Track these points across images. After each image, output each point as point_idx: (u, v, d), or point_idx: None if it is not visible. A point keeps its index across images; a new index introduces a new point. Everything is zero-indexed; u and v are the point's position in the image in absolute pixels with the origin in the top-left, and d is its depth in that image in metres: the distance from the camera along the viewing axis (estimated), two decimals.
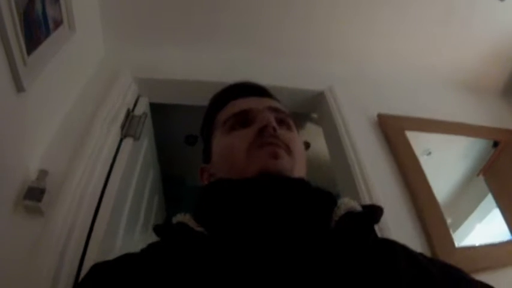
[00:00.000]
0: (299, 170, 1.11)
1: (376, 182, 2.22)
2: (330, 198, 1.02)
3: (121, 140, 2.37)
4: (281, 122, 1.20)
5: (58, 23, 2.04)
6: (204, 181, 1.24)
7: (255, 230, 0.88)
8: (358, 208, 0.99)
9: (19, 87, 1.66)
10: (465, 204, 3.26)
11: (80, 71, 2.44)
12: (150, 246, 0.97)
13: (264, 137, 1.09)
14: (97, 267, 0.92)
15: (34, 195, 1.70)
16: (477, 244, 2.41)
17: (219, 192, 1.05)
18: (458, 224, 3.06)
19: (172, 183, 4.17)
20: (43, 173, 1.78)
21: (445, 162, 3.26)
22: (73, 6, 2.15)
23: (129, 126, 2.44)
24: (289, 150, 1.10)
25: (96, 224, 1.89)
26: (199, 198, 1.09)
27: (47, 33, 1.91)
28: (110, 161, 2.21)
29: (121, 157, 2.28)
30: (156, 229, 1.01)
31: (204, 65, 2.73)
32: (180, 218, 1.01)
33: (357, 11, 2.92)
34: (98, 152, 2.07)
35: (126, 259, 0.92)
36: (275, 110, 1.23)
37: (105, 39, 2.79)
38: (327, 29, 2.97)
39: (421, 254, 0.96)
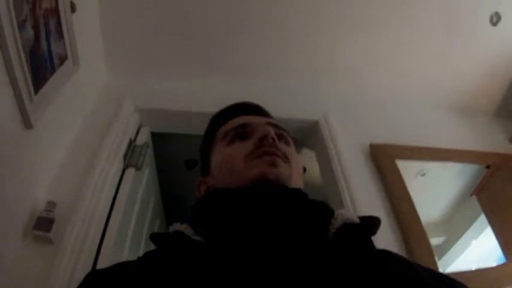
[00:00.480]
0: (296, 181, 1.11)
1: (365, 210, 2.25)
2: (326, 209, 1.02)
3: (124, 170, 2.47)
4: (280, 137, 1.21)
5: (63, 59, 2.12)
6: (202, 193, 1.25)
7: (251, 239, 0.87)
8: (356, 219, 0.99)
9: (27, 124, 1.75)
10: (460, 222, 3.30)
11: (83, 103, 2.54)
12: (147, 254, 0.96)
13: (264, 146, 1.10)
14: (92, 275, 0.92)
15: (43, 225, 1.80)
16: (464, 268, 2.43)
17: (215, 201, 1.05)
18: (453, 241, 3.13)
19: (175, 205, 4.22)
20: (51, 204, 1.88)
21: (440, 183, 3.31)
22: (77, 41, 2.23)
23: (131, 157, 2.53)
24: (286, 160, 1.11)
25: (102, 250, 2.00)
26: (195, 207, 1.09)
27: (53, 70, 2.00)
28: (114, 190, 2.31)
29: (124, 187, 2.37)
30: (153, 237, 1.02)
31: (204, 96, 2.77)
32: (177, 226, 1.02)
33: (353, 34, 3.01)
34: (102, 182, 2.17)
35: (122, 267, 0.91)
36: (274, 125, 1.24)
37: (107, 71, 2.89)
38: (326, 51, 3.07)
39: (418, 265, 0.94)
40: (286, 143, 1.23)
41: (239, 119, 1.27)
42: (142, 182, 2.79)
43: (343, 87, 3.17)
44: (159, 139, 3.10)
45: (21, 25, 1.65)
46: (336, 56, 3.10)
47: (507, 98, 3.50)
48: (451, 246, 3.08)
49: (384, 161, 2.66)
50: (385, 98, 3.23)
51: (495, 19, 3.03)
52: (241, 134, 1.19)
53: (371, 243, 0.94)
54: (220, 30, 2.87)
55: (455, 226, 3.28)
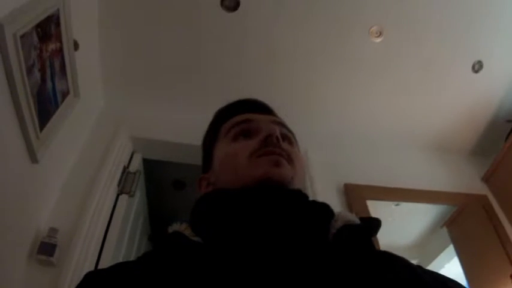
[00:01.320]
0: (298, 181, 1.09)
1: None
2: (327, 210, 1.00)
3: (117, 196, 2.67)
4: (284, 137, 1.18)
5: (65, 95, 2.30)
6: (202, 189, 1.20)
7: (251, 240, 0.85)
8: (356, 220, 0.97)
9: (33, 160, 1.95)
10: (432, 247, 3.44)
11: (82, 132, 2.72)
12: (146, 255, 0.93)
13: (268, 145, 1.06)
14: (91, 275, 0.88)
15: (47, 250, 2.01)
16: None
17: (217, 202, 1.02)
18: (426, 264, 3.29)
19: (161, 222, 4.30)
20: (53, 231, 2.08)
21: (413, 212, 3.47)
22: (78, 75, 2.40)
23: (124, 183, 2.72)
24: (290, 160, 1.07)
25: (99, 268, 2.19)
26: (195, 207, 1.05)
27: (56, 106, 2.18)
28: (109, 215, 2.51)
29: (118, 213, 2.58)
30: (152, 238, 1.04)
31: (195, 128, 2.68)
32: (176, 227, 0.99)
33: (336, 76, 3.19)
34: (99, 210, 2.37)
35: (121, 267, 0.89)
36: (279, 124, 1.22)
37: (105, 101, 3.08)
38: (307, 92, 3.24)
39: (419, 267, 0.91)
40: (290, 143, 1.20)
41: (243, 115, 1.23)
42: (133, 206, 2.97)
43: (323, 129, 3.32)
44: (149, 162, 3.25)
45: (30, 70, 1.84)
46: (317, 100, 3.28)
47: (483, 138, 3.68)
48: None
49: (355, 201, 2.84)
50: (362, 139, 3.41)
51: (477, 67, 3.24)
52: (246, 131, 1.16)
53: (371, 244, 0.93)
54: (214, 67, 3.05)
55: (428, 251, 3.44)
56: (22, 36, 1.76)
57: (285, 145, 1.11)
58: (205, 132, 1.34)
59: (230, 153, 1.12)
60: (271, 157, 1.04)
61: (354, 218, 0.97)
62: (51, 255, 2.00)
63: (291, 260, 0.79)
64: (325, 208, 1.00)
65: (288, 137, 1.20)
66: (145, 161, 3.18)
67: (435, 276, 0.90)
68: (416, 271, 0.85)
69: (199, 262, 0.80)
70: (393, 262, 0.88)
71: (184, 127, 2.96)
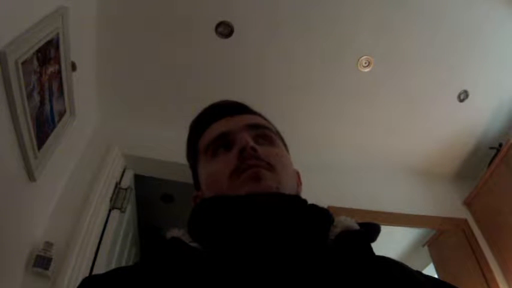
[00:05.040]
0: (288, 183, 1.07)
1: None
2: (327, 216, 0.98)
3: (109, 211, 2.78)
4: (263, 137, 1.13)
5: (62, 114, 2.38)
6: None
7: (251, 246, 0.85)
8: (355, 226, 0.96)
9: (31, 178, 2.05)
10: (413, 266, 3.50)
11: (77, 150, 2.82)
12: (143, 260, 0.94)
13: (245, 159, 1.02)
14: (88, 281, 0.89)
15: (42, 263, 2.11)
16: None
17: (216, 208, 0.99)
18: None
19: (150, 234, 4.51)
20: (48, 245, 2.18)
21: (396, 230, 3.53)
22: (74, 95, 2.48)
23: (116, 199, 2.84)
24: (271, 167, 1.03)
25: None
26: (193, 213, 1.03)
27: (53, 126, 2.27)
28: (101, 230, 2.62)
29: (110, 227, 2.70)
30: (150, 243, 0.98)
31: (182, 147, 2.84)
32: (174, 233, 0.98)
33: (324, 104, 3.31)
34: (92, 225, 2.49)
35: (118, 272, 0.89)
36: (254, 126, 1.16)
37: (99, 119, 3.17)
38: (293, 118, 3.32)
39: (418, 272, 0.93)
40: (270, 142, 1.14)
41: (217, 125, 1.18)
42: (124, 220, 3.08)
43: (309, 154, 3.29)
44: (140, 177, 3.36)
45: (30, 95, 1.92)
46: (305, 126, 3.39)
47: (467, 164, 3.80)
48: None
49: None
50: (346, 164, 3.52)
51: (463, 96, 3.37)
52: (222, 144, 1.11)
53: (370, 249, 0.91)
54: (205, 90, 3.08)
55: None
56: (23, 63, 1.82)
57: (263, 149, 1.06)
58: (186, 149, 1.30)
59: (211, 173, 1.09)
60: (250, 172, 1.00)
61: (353, 224, 0.97)
62: (47, 268, 2.11)
63: (291, 264, 0.80)
64: (324, 213, 0.99)
65: (265, 135, 1.15)
66: (136, 176, 3.28)
67: (434, 282, 0.93)
68: (415, 276, 0.88)
69: (198, 268, 0.80)
70: (392, 267, 0.89)
71: (173, 146, 2.96)
